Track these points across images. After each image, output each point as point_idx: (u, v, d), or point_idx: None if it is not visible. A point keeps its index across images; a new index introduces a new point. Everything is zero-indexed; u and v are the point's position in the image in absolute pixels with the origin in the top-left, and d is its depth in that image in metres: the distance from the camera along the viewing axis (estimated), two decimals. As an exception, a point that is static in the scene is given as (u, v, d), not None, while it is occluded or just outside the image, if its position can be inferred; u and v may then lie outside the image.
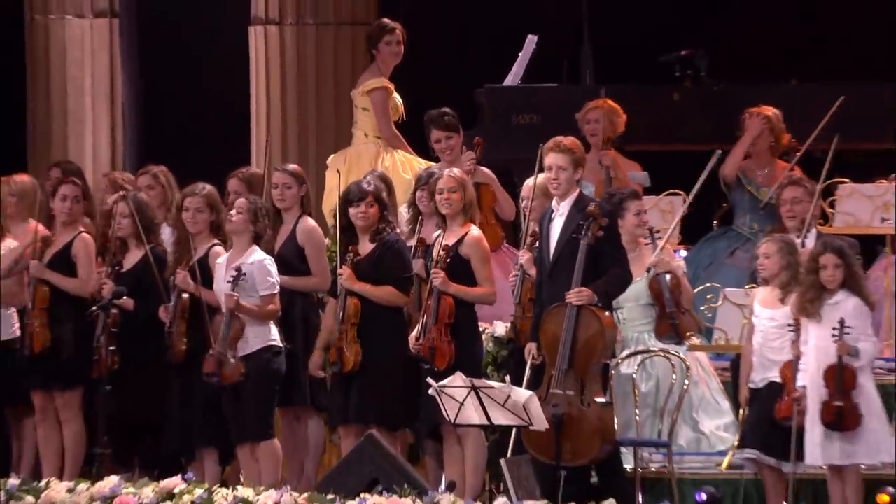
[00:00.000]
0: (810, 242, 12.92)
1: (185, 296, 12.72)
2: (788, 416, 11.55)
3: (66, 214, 13.32)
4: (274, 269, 12.53)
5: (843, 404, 11.51)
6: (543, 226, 12.26)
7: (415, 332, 12.47)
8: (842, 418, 11.53)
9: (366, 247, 12.70)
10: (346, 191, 13.05)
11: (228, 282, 12.39)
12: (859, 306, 11.53)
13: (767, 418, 11.78)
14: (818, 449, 11.60)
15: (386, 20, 15.81)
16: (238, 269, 12.33)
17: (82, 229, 13.37)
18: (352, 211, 12.70)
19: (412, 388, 12.60)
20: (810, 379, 11.49)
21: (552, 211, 12.25)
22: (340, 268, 12.76)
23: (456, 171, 13.31)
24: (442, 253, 12.45)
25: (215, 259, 12.66)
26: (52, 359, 13.05)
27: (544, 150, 12.63)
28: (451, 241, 12.72)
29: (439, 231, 13.08)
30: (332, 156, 15.91)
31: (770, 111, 15.28)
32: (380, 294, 12.58)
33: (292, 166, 13.67)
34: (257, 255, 12.45)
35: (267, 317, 12.58)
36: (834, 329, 11.25)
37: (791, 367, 11.61)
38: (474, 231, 12.82)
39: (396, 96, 15.51)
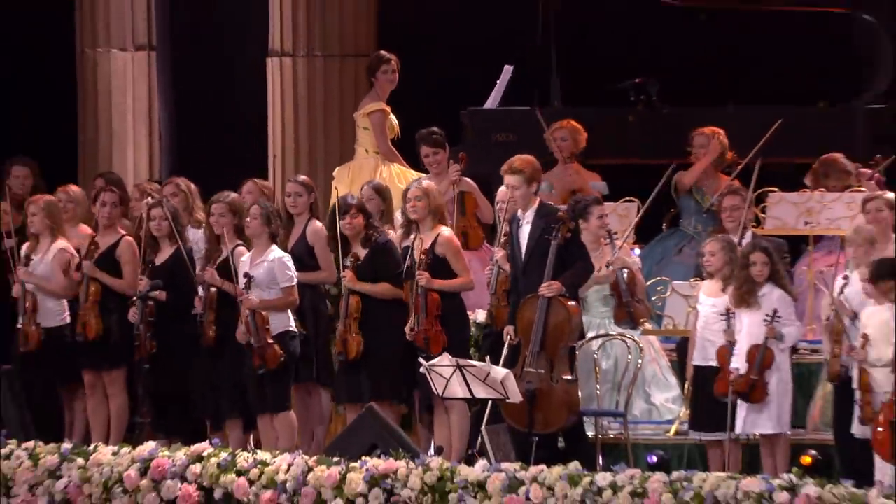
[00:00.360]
0: (746, 242, 13.15)
1: (213, 290, 13.22)
2: (724, 393, 11.84)
3: (105, 218, 13.71)
4: (291, 264, 12.90)
5: (756, 379, 11.85)
6: (513, 230, 12.49)
7: (409, 324, 12.68)
8: (752, 391, 11.86)
9: (361, 251, 13.05)
10: (334, 205, 13.33)
11: (243, 287, 12.85)
12: (783, 297, 11.97)
13: (708, 395, 12.13)
14: (741, 420, 12.01)
15: (383, 52, 16.16)
16: (248, 276, 12.77)
17: (123, 232, 13.76)
18: (340, 222, 13.04)
19: (408, 369, 12.70)
20: (741, 361, 11.98)
21: (519, 218, 12.50)
22: (343, 271, 13.10)
23: (424, 182, 13.60)
24: (422, 256, 12.68)
25: (239, 258, 13.05)
26: (102, 344, 13.43)
27: (501, 172, 12.93)
28: (427, 243, 12.96)
29: (414, 234, 13.22)
30: (338, 168, 16.22)
31: (721, 133, 15.39)
32: (378, 291, 12.93)
33: (302, 177, 14.07)
34: (276, 252, 12.85)
35: (287, 306, 12.95)
36: (767, 316, 11.58)
37: (725, 351, 11.98)
38: (444, 231, 13.08)
39: (392, 117, 15.83)
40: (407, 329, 12.74)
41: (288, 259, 12.86)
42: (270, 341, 12.78)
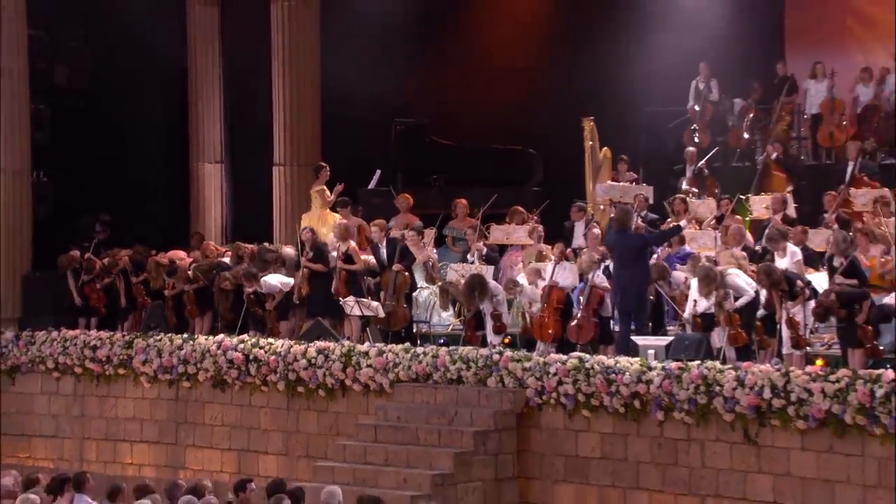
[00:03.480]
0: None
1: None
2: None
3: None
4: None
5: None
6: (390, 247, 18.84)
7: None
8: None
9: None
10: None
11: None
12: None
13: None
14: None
15: (322, 164, 21.73)
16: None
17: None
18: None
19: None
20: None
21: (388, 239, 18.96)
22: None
23: (340, 221, 19.62)
24: (341, 254, 18.76)
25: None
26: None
27: (376, 224, 19.25)
28: (343, 248, 18.89)
29: (339, 244, 18.92)
30: (304, 215, 21.48)
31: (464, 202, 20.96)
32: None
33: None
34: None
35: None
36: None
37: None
38: (351, 243, 19.24)
39: (327, 191, 21.23)
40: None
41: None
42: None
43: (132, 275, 20.88)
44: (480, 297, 17.68)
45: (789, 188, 20.57)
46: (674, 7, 24.55)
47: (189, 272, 20.21)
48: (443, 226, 21.24)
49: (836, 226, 16.54)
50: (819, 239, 18.12)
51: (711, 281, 16.31)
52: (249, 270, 19.24)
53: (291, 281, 19.26)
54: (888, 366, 15.18)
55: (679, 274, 17.65)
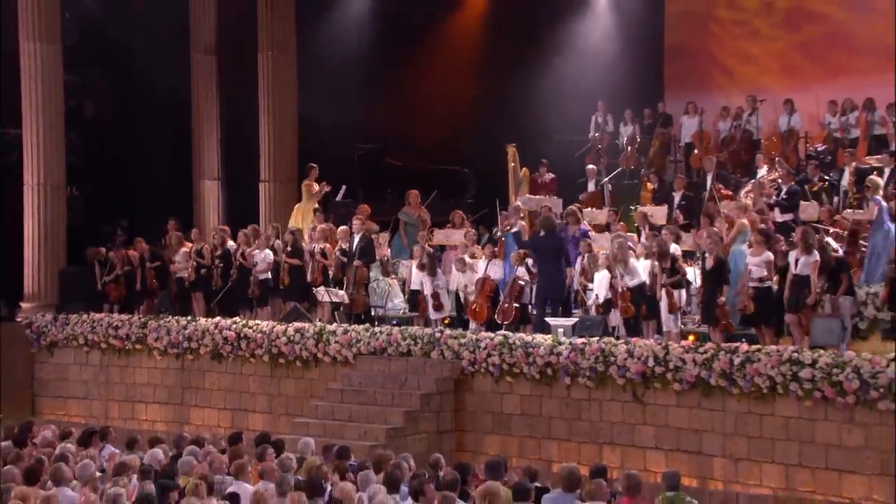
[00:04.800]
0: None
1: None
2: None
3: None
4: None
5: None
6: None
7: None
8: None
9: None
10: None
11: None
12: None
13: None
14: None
15: (312, 164, 21.17)
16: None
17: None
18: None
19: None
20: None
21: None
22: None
23: (322, 227, 19.31)
24: (320, 253, 18.62)
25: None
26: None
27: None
28: (320, 248, 18.78)
29: (314, 245, 18.82)
30: (297, 205, 21.34)
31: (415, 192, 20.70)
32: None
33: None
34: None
35: None
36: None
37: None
38: (327, 245, 18.97)
39: (314, 185, 20.95)
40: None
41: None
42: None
43: (147, 262, 20.80)
44: (431, 271, 17.88)
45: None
46: (581, 55, 24.85)
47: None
48: (395, 230, 21.15)
49: (704, 232, 16.68)
50: (691, 240, 18.01)
51: (617, 257, 16.44)
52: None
53: (273, 257, 19.12)
54: (742, 339, 15.36)
55: (580, 263, 17.60)
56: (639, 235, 18.27)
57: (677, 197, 20.10)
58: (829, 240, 15.88)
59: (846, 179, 18.58)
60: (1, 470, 11.93)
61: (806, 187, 18.94)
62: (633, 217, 19.67)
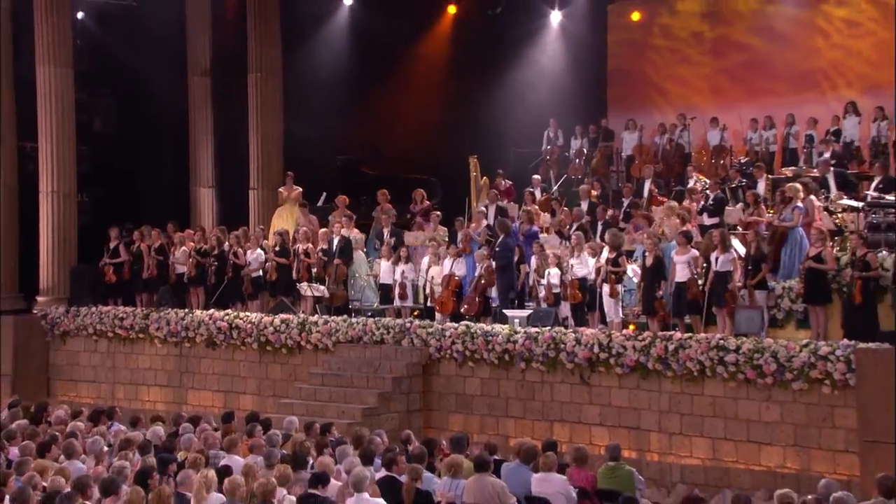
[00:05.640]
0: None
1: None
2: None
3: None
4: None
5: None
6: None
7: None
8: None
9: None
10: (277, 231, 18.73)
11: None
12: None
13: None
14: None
15: (289, 172, 21.01)
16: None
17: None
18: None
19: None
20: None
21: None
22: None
23: (304, 229, 18.93)
24: (304, 252, 18.11)
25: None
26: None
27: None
28: (304, 247, 18.22)
29: (299, 244, 18.33)
30: (278, 209, 20.88)
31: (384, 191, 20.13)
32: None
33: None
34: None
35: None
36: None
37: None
38: (310, 245, 18.52)
39: (283, 192, 20.62)
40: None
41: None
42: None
43: (154, 252, 20.28)
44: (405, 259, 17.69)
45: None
46: (535, 77, 24.88)
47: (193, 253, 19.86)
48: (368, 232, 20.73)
49: (645, 234, 16.44)
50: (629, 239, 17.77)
51: (576, 246, 16.48)
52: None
53: (264, 256, 18.82)
54: (675, 328, 15.32)
55: (534, 261, 17.38)
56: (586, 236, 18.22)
57: (626, 202, 20.08)
58: (737, 241, 15.85)
59: (762, 188, 18.60)
60: (19, 445, 11.95)
61: (727, 190, 19.01)
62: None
